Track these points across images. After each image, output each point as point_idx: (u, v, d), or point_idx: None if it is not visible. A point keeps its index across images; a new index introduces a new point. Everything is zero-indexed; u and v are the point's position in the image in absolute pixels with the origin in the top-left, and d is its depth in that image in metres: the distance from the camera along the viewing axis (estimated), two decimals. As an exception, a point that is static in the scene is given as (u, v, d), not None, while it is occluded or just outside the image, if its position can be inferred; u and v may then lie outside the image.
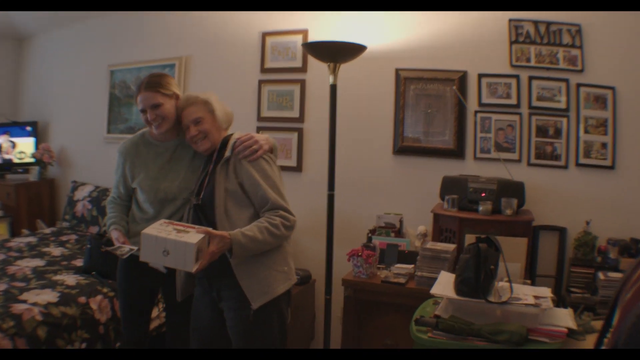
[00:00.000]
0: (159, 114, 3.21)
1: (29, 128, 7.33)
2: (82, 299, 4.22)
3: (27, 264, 4.91)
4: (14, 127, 7.31)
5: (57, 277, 4.57)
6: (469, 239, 3.78)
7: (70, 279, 4.52)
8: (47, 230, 6.23)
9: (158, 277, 3.29)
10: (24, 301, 4.02)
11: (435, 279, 3.07)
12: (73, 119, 7.16)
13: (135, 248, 3.08)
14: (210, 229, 2.72)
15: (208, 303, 3.07)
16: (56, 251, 5.41)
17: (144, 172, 3.32)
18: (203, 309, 3.10)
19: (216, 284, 2.99)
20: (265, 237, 2.76)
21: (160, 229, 2.69)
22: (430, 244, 3.98)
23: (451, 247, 3.94)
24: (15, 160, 7.26)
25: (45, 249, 5.46)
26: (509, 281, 2.77)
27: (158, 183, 3.28)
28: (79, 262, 4.98)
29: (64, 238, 5.87)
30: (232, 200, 2.90)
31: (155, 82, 3.23)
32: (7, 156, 7.24)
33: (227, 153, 2.96)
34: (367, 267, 4.14)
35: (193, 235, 2.63)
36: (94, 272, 4.61)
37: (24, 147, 7.29)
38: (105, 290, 4.39)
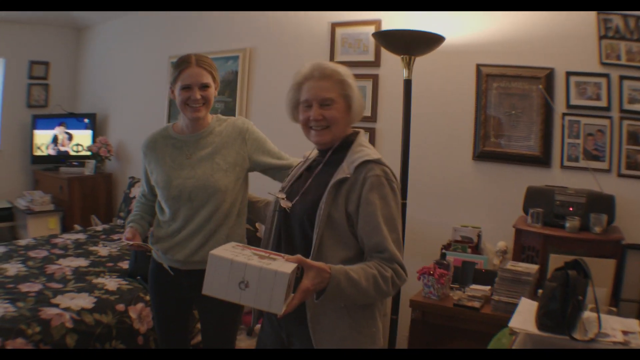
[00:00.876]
0: (205, 95, 2.92)
1: (86, 120, 7.34)
2: (121, 307, 4.00)
3: (70, 264, 4.74)
4: (71, 119, 7.31)
5: (98, 280, 4.36)
6: (554, 259, 3.45)
7: (112, 283, 4.31)
8: (99, 228, 6.12)
9: (193, 287, 2.94)
10: (56, 305, 3.83)
11: (514, 304, 2.88)
12: (132, 112, 7.07)
13: (131, 243, 2.93)
14: (305, 259, 1.97)
15: (275, 340, 2.46)
16: (104, 251, 5.23)
17: (160, 166, 3.03)
18: (270, 344, 2.50)
19: (287, 327, 2.37)
20: (370, 287, 2.07)
21: (235, 252, 1.99)
22: (510, 264, 3.60)
23: (534, 268, 3.58)
24: (71, 153, 7.24)
25: (93, 248, 5.30)
26: (597, 312, 2.52)
27: (170, 179, 2.96)
28: (125, 264, 4.77)
29: (115, 236, 5.72)
30: (330, 230, 2.20)
31: (206, 61, 2.94)
32: (62, 148, 7.27)
33: (347, 172, 2.22)
34: (438, 287, 3.75)
35: (284, 264, 1.93)
36: (139, 277, 4.37)
37: (81, 140, 7.29)
38: (147, 297, 4.10)
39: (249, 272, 1.87)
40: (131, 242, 2.92)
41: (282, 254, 2.01)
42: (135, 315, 4.00)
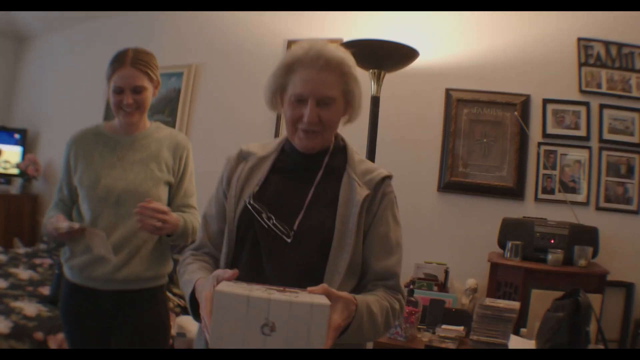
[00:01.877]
0: (138, 100, 2.56)
1: (17, 135, 6.97)
2: (39, 335, 3.62)
3: None
4: (2, 133, 6.96)
5: (16, 304, 3.99)
6: (536, 295, 3.28)
7: (31, 308, 3.93)
8: (22, 250, 5.72)
9: (109, 313, 2.56)
10: None
11: (495, 344, 2.80)
12: (65, 131, 6.44)
13: (77, 225, 2.43)
14: (330, 288, 1.52)
15: None
16: (24, 274, 4.86)
17: (87, 164, 2.63)
18: None
19: None
20: (382, 323, 1.72)
21: (243, 287, 1.42)
22: (489, 301, 3.29)
23: (516, 304, 3.30)
24: None
25: (13, 270, 4.95)
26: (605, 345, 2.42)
27: (98, 178, 2.57)
28: (47, 290, 4.40)
29: (37, 261, 5.32)
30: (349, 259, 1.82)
31: (143, 59, 2.58)
32: None
33: (367, 188, 1.84)
34: (407, 327, 3.38)
35: (313, 295, 1.43)
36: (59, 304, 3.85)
37: (10, 156, 6.87)
38: (70, 328, 3.66)
39: (274, 310, 1.34)
40: (65, 225, 2.42)
41: (294, 289, 1.50)
42: (55, 346, 3.62)
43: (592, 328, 3.01)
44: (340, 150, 1.93)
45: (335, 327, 1.45)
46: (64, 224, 2.39)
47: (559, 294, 2.54)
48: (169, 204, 2.64)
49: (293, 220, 1.77)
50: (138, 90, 2.54)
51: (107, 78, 2.60)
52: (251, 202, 1.81)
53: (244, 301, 1.33)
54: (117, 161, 2.59)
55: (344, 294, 1.55)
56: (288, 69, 1.83)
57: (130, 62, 2.52)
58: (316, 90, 1.78)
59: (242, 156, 1.95)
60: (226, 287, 1.39)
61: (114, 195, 2.52)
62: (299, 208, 1.79)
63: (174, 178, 2.64)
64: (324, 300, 1.36)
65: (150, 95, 2.62)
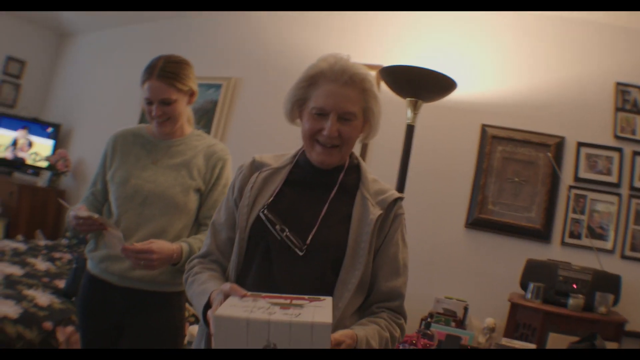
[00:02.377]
0: (167, 112, 2.57)
1: (50, 129, 7.04)
2: (48, 325, 3.65)
3: (2, 269, 4.46)
4: (35, 124, 7.03)
5: (29, 292, 4.02)
6: (553, 339, 3.28)
7: (44, 298, 3.95)
8: (42, 243, 5.74)
9: (123, 311, 2.56)
10: None
11: None
12: (98, 130, 6.71)
13: (97, 216, 2.40)
14: (336, 337, 1.56)
15: None
16: (42, 265, 4.90)
17: (123, 162, 2.67)
18: None
19: None
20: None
21: (247, 306, 1.42)
22: (504, 341, 3.25)
23: (532, 347, 3.26)
24: (28, 160, 6.91)
25: (31, 260, 4.99)
26: None
27: (129, 176, 2.60)
28: (62, 284, 4.42)
29: (57, 254, 5.35)
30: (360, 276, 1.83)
31: (171, 70, 2.57)
32: (20, 153, 6.94)
33: (379, 207, 1.85)
34: None
35: (316, 310, 1.40)
36: (74, 298, 3.97)
37: (41, 149, 6.96)
38: (81, 321, 3.67)
39: (274, 331, 1.33)
40: (85, 215, 2.41)
41: (305, 296, 1.51)
42: (62, 338, 3.63)
43: None
44: (354, 168, 1.93)
45: (334, 342, 1.49)
46: (84, 212, 2.38)
47: (575, 339, 2.49)
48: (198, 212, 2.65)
49: (306, 234, 1.76)
50: (166, 102, 2.55)
51: (140, 87, 2.63)
52: (265, 212, 1.80)
53: (243, 324, 1.33)
54: (150, 164, 2.61)
55: (346, 337, 1.56)
56: (311, 82, 1.84)
57: (157, 73, 2.53)
58: (339, 104, 1.78)
59: (256, 166, 1.95)
60: (227, 309, 1.39)
61: (141, 195, 2.53)
62: (312, 222, 1.78)
63: (204, 186, 2.63)
64: (325, 317, 1.33)
65: (182, 105, 2.63)
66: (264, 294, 1.50)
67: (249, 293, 1.50)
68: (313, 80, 1.82)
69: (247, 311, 1.36)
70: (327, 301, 1.44)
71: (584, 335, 2.61)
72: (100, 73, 7.01)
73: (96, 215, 2.38)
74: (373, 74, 2.60)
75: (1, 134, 6.90)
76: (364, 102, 1.83)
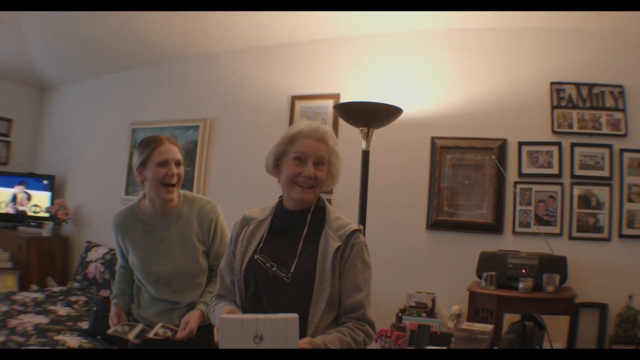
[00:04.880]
0: (180, 173, 2.96)
1: (45, 181, 7.31)
2: None
3: (30, 320, 4.73)
4: (31, 179, 7.29)
5: (59, 337, 4.35)
6: (508, 318, 3.54)
7: (73, 341, 4.31)
8: (56, 289, 6.05)
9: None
10: None
11: None
12: (91, 176, 7.09)
13: (138, 327, 2.96)
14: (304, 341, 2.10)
15: None
16: (62, 310, 5.20)
17: (134, 250, 3.07)
18: None
19: None
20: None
21: (240, 314, 2.14)
22: (465, 324, 3.63)
23: (489, 327, 3.60)
24: (29, 213, 7.18)
25: (52, 307, 5.27)
26: None
27: (149, 264, 3.03)
28: (84, 325, 4.76)
29: (72, 298, 5.67)
30: (328, 295, 2.26)
31: (174, 141, 3.02)
32: (21, 208, 7.19)
33: (339, 240, 2.31)
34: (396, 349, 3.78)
35: (287, 314, 2.01)
36: (99, 337, 4.36)
37: (39, 200, 7.23)
38: (109, 357, 4.09)
39: (260, 325, 1.96)
40: (134, 325, 2.99)
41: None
42: None
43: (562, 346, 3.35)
44: (321, 209, 2.42)
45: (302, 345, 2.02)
46: (119, 327, 2.96)
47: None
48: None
49: (290, 266, 2.28)
50: (178, 164, 2.94)
51: (142, 161, 2.90)
52: (257, 256, 2.34)
53: (238, 322, 1.97)
54: (158, 245, 3.01)
55: (305, 344, 2.05)
56: (291, 139, 2.37)
57: (167, 140, 2.92)
58: (315, 152, 2.33)
59: (246, 221, 2.49)
60: (227, 315, 2.05)
61: (164, 278, 3.01)
62: (293, 257, 2.30)
63: (206, 247, 3.06)
64: (293, 315, 1.97)
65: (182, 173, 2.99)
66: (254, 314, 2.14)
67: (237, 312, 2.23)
68: (292, 138, 2.37)
69: (240, 315, 2.07)
70: (294, 314, 2.01)
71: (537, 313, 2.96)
72: (84, 121, 7.33)
73: (130, 337, 2.89)
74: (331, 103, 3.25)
75: (0, 191, 7.22)
76: (329, 156, 2.37)
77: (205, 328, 2.99)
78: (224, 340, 1.99)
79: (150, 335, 2.89)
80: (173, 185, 2.94)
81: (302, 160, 2.33)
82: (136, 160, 2.95)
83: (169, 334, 2.92)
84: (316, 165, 2.34)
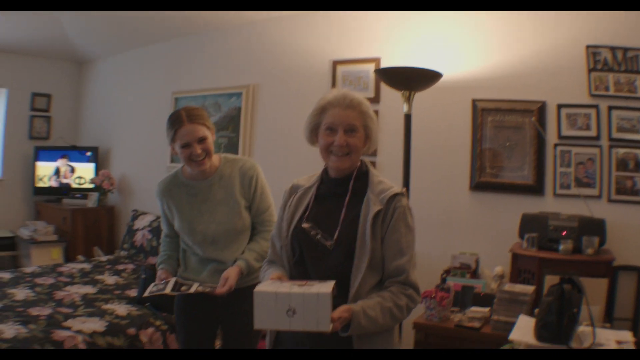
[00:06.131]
0: (205, 148, 3.06)
1: (88, 153, 7.45)
2: (132, 331, 4.10)
3: (77, 291, 4.84)
4: (73, 152, 7.44)
5: (108, 306, 4.46)
6: (549, 280, 3.59)
7: (122, 309, 4.40)
8: (104, 258, 6.18)
9: (218, 311, 3.20)
10: (68, 328, 3.91)
11: (512, 323, 2.90)
12: (135, 146, 7.18)
13: (172, 281, 3.10)
14: (340, 312, 2.12)
15: None
16: (110, 279, 5.31)
17: (179, 214, 3.22)
18: None
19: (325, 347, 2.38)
20: (386, 321, 2.25)
21: (276, 285, 2.13)
22: (508, 286, 3.69)
23: (530, 289, 3.67)
24: (74, 185, 7.33)
25: (99, 277, 5.39)
26: (592, 326, 2.61)
27: (194, 225, 3.18)
28: (133, 293, 4.85)
29: (120, 267, 5.78)
30: (369, 259, 2.30)
31: (197, 114, 3.05)
32: (65, 180, 7.33)
33: (380, 204, 2.34)
34: (440, 309, 3.85)
35: (322, 286, 2.08)
36: (147, 304, 4.44)
37: (83, 172, 7.39)
38: (158, 323, 4.24)
39: (293, 299, 2.02)
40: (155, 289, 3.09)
41: (316, 281, 2.20)
42: (146, 339, 4.10)
43: (598, 311, 3.37)
44: (364, 174, 2.47)
45: (334, 318, 2.05)
46: (153, 288, 3.08)
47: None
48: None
49: (333, 232, 2.35)
50: (202, 141, 3.01)
51: (170, 141, 3.05)
52: (303, 223, 2.41)
53: (272, 295, 2.03)
54: (202, 205, 3.14)
55: (342, 312, 2.10)
56: (322, 110, 2.44)
57: (187, 119, 2.98)
58: (344, 121, 2.38)
59: (293, 189, 2.59)
60: (263, 287, 2.11)
61: (210, 237, 3.14)
62: (336, 224, 2.37)
63: (248, 202, 3.18)
64: (327, 289, 2.03)
65: (212, 141, 3.09)
66: (289, 280, 2.28)
67: (285, 278, 2.31)
68: (323, 109, 2.43)
69: (276, 287, 2.07)
70: (330, 282, 2.12)
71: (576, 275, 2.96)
72: (125, 92, 7.43)
73: (168, 291, 3.02)
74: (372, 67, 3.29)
75: (43, 165, 7.39)
76: (363, 121, 2.41)
77: (249, 288, 3.10)
78: (258, 312, 2.07)
79: (191, 290, 3.02)
80: (202, 159, 3.04)
81: (333, 129, 2.39)
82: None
83: (208, 289, 3.04)
84: (348, 133, 2.38)
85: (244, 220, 3.19)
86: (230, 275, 3.03)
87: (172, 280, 3.09)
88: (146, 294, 3.05)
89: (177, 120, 3.01)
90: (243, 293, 3.05)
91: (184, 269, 3.29)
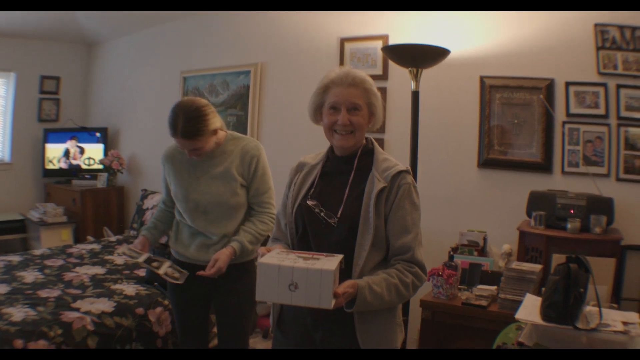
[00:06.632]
0: (200, 153, 3.15)
1: (98, 134, 7.47)
2: (140, 310, 4.12)
3: (86, 271, 4.85)
4: (83, 133, 7.45)
5: (116, 286, 4.47)
6: (556, 259, 3.54)
7: (130, 289, 4.42)
8: (113, 238, 6.19)
9: (209, 284, 3.22)
10: (77, 309, 3.93)
11: (519, 302, 2.91)
12: (144, 126, 7.19)
13: (146, 255, 3.22)
14: (344, 287, 2.11)
15: (305, 341, 2.47)
16: (119, 260, 5.31)
17: (177, 180, 3.30)
18: (296, 345, 2.51)
19: (324, 328, 2.41)
20: (392, 297, 2.24)
21: (281, 257, 2.10)
22: (515, 264, 3.69)
23: (537, 267, 3.66)
24: (83, 166, 7.35)
25: (108, 257, 5.39)
26: (599, 306, 2.61)
27: (189, 193, 3.24)
28: (142, 272, 4.86)
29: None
30: (373, 237, 2.30)
31: (191, 130, 3.02)
32: (74, 162, 7.36)
33: (384, 181, 2.33)
34: (447, 287, 3.85)
35: (327, 261, 2.05)
36: (156, 283, 4.48)
37: (93, 153, 7.41)
38: (166, 302, 4.25)
39: (296, 274, 1.99)
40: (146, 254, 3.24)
41: (323, 254, 2.18)
42: (154, 318, 4.12)
43: (605, 291, 3.35)
44: (369, 151, 2.46)
45: (339, 293, 2.04)
46: (127, 250, 3.21)
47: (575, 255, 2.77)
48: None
49: (337, 210, 2.35)
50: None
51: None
52: (307, 201, 2.41)
53: (275, 268, 2.01)
54: (201, 175, 3.21)
55: (347, 287, 2.09)
56: (325, 89, 2.42)
57: (180, 134, 3.03)
58: (346, 99, 2.36)
59: (300, 167, 2.59)
60: (267, 258, 2.07)
61: (202, 206, 3.18)
62: (340, 201, 2.36)
63: (245, 181, 3.21)
64: (331, 266, 2.00)
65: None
66: (297, 251, 2.23)
67: (285, 250, 2.29)
68: (326, 88, 2.41)
69: (280, 260, 2.04)
70: (338, 257, 2.11)
71: (582, 254, 2.90)
72: (133, 73, 7.43)
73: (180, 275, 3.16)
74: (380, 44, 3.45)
75: (52, 147, 7.41)
76: (366, 99, 2.39)
77: (242, 266, 3.28)
78: (261, 284, 2.05)
79: (160, 272, 3.12)
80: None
81: (336, 108, 2.38)
82: None
83: (177, 275, 3.11)
84: (351, 111, 2.37)
85: (239, 198, 3.22)
86: (221, 257, 3.06)
87: (145, 256, 3.20)
88: (120, 251, 3.21)
89: (173, 128, 3.05)
90: (235, 272, 3.21)
91: (175, 240, 3.36)
